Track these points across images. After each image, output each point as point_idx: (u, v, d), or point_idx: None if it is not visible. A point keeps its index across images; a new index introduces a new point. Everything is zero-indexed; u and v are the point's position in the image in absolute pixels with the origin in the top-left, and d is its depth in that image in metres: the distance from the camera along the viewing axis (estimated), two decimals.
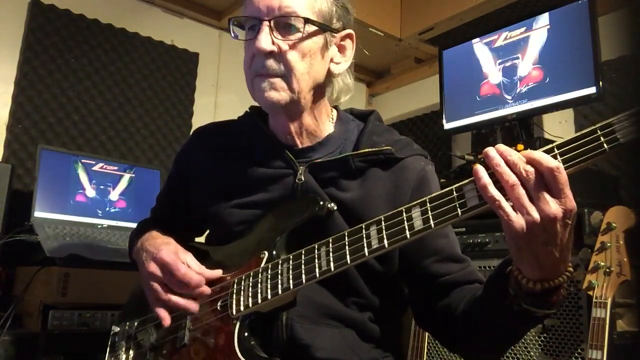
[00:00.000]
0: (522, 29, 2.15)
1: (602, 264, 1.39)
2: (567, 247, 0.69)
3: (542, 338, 1.61)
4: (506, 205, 0.67)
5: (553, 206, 0.65)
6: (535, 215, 0.65)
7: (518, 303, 0.75)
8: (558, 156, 0.67)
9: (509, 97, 2.17)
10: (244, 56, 1.00)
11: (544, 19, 2.08)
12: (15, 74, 2.15)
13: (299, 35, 0.94)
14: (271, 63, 0.94)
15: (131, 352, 1.07)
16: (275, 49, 0.94)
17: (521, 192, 0.66)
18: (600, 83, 1.85)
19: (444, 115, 2.41)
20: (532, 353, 1.64)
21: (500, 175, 0.67)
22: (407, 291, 1.04)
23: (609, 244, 1.40)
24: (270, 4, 0.93)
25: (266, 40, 0.93)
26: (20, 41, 2.17)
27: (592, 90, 1.87)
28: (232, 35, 1.01)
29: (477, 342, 0.91)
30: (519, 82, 2.15)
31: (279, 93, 0.95)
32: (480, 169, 0.69)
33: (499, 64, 2.23)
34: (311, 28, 0.95)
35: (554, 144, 0.68)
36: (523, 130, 2.12)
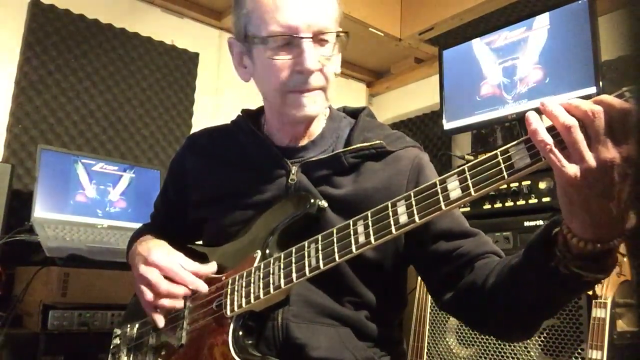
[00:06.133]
0: (522, 29, 2.15)
1: None
2: (626, 204, 0.62)
3: (542, 338, 1.61)
4: (557, 151, 0.62)
5: (611, 150, 0.59)
6: (592, 161, 0.59)
7: (566, 265, 0.68)
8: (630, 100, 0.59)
9: (509, 97, 2.17)
10: (274, 71, 0.95)
11: (544, 19, 2.08)
12: (15, 74, 2.16)
13: (331, 47, 0.96)
14: (315, 79, 0.95)
15: (132, 355, 1.08)
16: (320, 66, 0.95)
17: (579, 136, 0.60)
18: (600, 83, 1.85)
19: (444, 115, 2.41)
20: (532, 353, 1.64)
21: (555, 117, 0.62)
22: (429, 286, 1.02)
23: None
24: (307, 20, 0.92)
25: (314, 58, 0.93)
26: (20, 41, 2.18)
27: (592, 90, 1.87)
28: (266, 56, 0.94)
29: (515, 314, 0.83)
30: (519, 82, 2.15)
31: (318, 106, 0.97)
32: (532, 114, 0.64)
33: (499, 64, 2.23)
34: (336, 38, 0.97)
35: (624, 89, 0.61)
36: (523, 130, 2.12)
